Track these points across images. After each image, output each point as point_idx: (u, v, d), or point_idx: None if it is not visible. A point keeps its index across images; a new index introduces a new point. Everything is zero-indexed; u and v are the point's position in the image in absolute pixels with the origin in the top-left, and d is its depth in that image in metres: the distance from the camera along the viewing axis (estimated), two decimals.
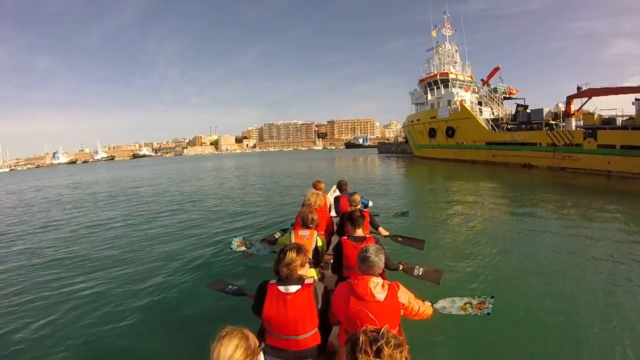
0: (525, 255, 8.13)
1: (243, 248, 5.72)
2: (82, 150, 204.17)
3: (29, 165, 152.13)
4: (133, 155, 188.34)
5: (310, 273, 3.29)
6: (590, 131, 23.58)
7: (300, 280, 2.83)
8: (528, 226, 10.78)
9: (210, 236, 10.59)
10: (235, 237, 5.87)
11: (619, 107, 23.74)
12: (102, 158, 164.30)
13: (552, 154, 25.56)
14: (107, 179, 39.29)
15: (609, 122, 23.45)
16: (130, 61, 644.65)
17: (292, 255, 2.86)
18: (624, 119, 22.96)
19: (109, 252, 9.53)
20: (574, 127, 25.68)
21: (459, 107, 35.29)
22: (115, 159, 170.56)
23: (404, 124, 51.72)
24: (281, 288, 2.78)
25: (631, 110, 22.61)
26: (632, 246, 8.40)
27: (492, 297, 3.42)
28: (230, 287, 3.95)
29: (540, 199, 15.27)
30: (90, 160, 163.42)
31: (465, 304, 3.46)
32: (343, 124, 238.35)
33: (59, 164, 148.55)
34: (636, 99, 21.89)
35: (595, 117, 24.07)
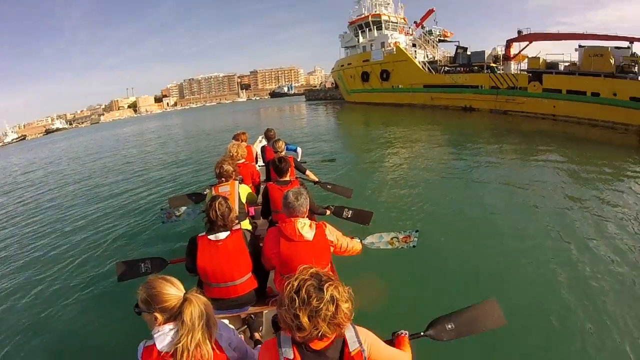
0: (457, 196, 8.28)
1: (173, 218, 5.16)
2: None
3: None
4: (46, 131, 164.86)
5: (243, 225, 3.81)
6: (535, 75, 22.73)
7: (228, 228, 2.90)
8: (465, 169, 10.62)
9: (134, 208, 10.08)
10: (162, 209, 5.47)
11: (561, 52, 23.10)
12: (12, 140, 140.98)
13: (495, 96, 24.60)
14: (18, 165, 31.39)
15: (552, 67, 22.73)
16: (34, 27, 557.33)
17: (222, 208, 2.87)
18: (566, 64, 22.36)
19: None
20: (512, 71, 24.94)
21: (394, 49, 33.13)
22: (27, 138, 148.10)
23: (333, 68, 48.64)
24: (211, 237, 2.84)
25: (574, 57, 21.91)
26: (569, 189, 8.40)
27: (416, 231, 3.54)
28: (142, 264, 3.56)
29: (482, 141, 15.01)
30: (0, 144, 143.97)
31: (392, 238, 3.56)
32: (266, 74, 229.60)
33: None
34: (580, 46, 21.24)
35: (541, 61, 23.09)
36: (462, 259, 5.43)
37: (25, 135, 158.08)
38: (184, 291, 1.80)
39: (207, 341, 1.73)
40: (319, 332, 1.53)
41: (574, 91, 20.26)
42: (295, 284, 1.55)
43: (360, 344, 1.66)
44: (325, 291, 1.51)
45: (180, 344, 1.66)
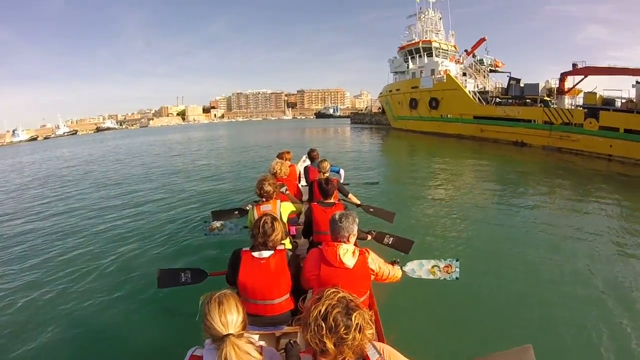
0: (501, 232, 8.25)
1: (216, 231, 5.33)
2: (43, 126, 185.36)
3: None
4: (97, 128, 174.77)
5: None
6: (591, 111, 21.61)
7: (270, 247, 2.90)
8: (512, 205, 10.49)
9: (176, 217, 10.19)
10: (205, 221, 5.70)
11: (617, 88, 21.85)
12: (64, 133, 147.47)
13: (549, 132, 23.57)
14: (67, 158, 34.30)
15: (608, 104, 21.59)
16: (94, 30, 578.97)
17: (265, 227, 2.88)
18: (623, 101, 21.10)
19: (52, 242, 8.83)
20: (566, 105, 24.04)
21: (444, 77, 32.80)
22: (78, 133, 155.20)
23: (380, 93, 48.67)
24: (255, 254, 2.87)
25: (632, 94, 20.70)
26: (623, 242, 7.76)
27: (457, 259, 3.48)
28: (182, 274, 3.75)
29: (532, 179, 14.77)
30: (52, 135, 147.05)
31: (433, 267, 3.50)
32: (313, 94, 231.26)
33: (20, 141, 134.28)
34: (638, 82, 20.13)
35: (597, 96, 21.95)
36: (500, 300, 5.34)
37: (77, 130, 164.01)
38: (233, 326, 1.72)
39: None
40: (344, 356, 1.56)
41: (632, 130, 19.15)
42: (323, 309, 1.55)
43: (380, 354, 1.68)
44: (352, 319, 1.52)
45: None
